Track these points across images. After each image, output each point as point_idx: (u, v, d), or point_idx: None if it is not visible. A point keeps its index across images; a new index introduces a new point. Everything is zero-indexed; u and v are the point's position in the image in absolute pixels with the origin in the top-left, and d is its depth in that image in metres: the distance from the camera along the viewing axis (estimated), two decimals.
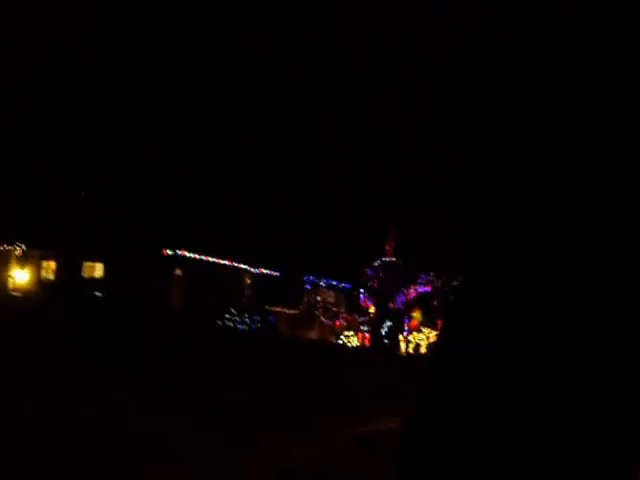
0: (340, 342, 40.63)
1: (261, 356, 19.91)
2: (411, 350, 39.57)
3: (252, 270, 36.32)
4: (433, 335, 41.36)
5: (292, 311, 40.68)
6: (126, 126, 30.93)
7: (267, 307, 37.93)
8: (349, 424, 9.66)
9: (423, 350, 40.36)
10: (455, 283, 62.90)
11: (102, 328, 20.50)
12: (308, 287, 40.93)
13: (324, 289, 42.32)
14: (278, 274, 37.84)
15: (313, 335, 40.52)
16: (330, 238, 38.12)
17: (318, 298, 42.31)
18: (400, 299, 48.12)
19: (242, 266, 35.15)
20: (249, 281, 36.53)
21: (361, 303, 48.47)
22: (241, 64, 32.99)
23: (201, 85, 33.01)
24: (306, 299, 41.08)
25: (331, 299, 43.46)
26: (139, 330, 24.00)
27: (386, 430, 7.33)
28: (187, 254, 32.79)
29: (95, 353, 14.87)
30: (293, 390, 12.84)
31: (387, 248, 50.66)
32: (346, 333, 40.98)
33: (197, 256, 33.13)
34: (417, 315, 42.47)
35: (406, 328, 40.29)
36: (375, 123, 35.99)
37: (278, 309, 38.91)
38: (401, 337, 39.29)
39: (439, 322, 51.78)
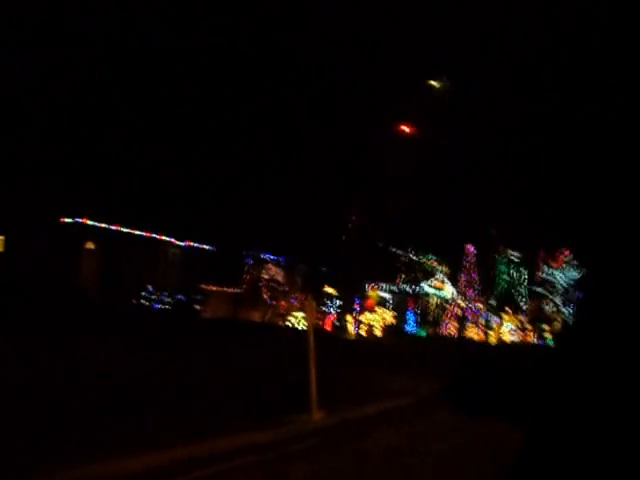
0: (288, 324, 36.78)
1: (147, 340, 16.29)
2: (363, 332, 35.75)
3: (179, 243, 32.34)
4: (389, 316, 37.52)
5: (232, 290, 36.80)
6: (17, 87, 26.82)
7: (202, 285, 34.00)
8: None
9: (377, 332, 36.59)
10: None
11: None
12: (250, 262, 37.02)
13: (272, 266, 38.41)
14: (212, 248, 33.87)
15: (256, 316, 36.67)
16: (283, 211, 34.00)
17: (265, 276, 38.44)
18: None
19: (165, 238, 31.17)
20: (177, 256, 32.55)
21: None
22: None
23: None
24: (248, 277, 37.20)
25: (280, 278, 39.58)
26: (27, 311, 20.37)
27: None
28: (99, 224, 28.80)
29: None
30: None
31: (350, 224, 46.84)
32: (295, 314, 37.08)
33: (110, 227, 29.14)
34: (374, 294, 38.64)
35: (356, 308, 36.49)
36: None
37: (214, 288, 34.99)
38: (349, 318, 35.33)
39: (410, 302, 48.12)
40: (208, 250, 34.31)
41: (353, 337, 33.46)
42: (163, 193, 30.96)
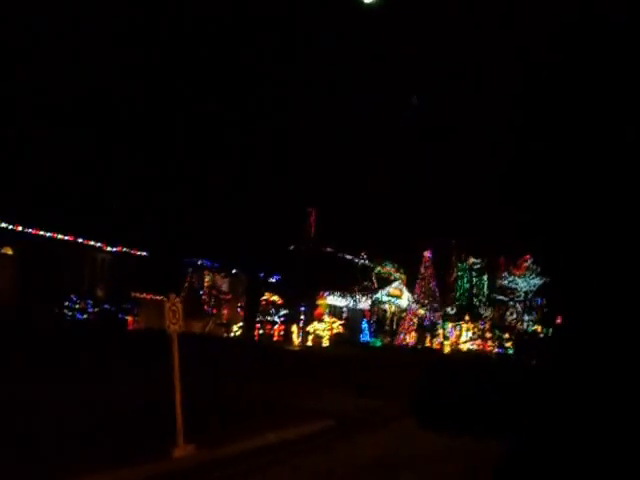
0: (233, 335, 34.53)
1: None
2: (309, 343, 33.61)
3: (109, 249, 29.94)
4: (337, 325, 35.50)
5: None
6: None
7: (135, 294, 31.61)
8: None
9: (325, 343, 34.47)
10: None
11: None
12: (190, 270, 34.73)
13: (215, 273, 36.15)
14: (147, 254, 31.54)
15: (197, 327, 34.33)
16: (226, 215, 31.74)
17: (207, 284, 36.17)
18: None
19: (93, 243, 28.77)
20: (107, 262, 30.15)
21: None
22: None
23: None
24: (187, 285, 34.87)
25: (224, 286, 37.36)
26: None
27: None
28: (16, 228, 26.34)
29: None
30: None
31: (307, 230, 44.85)
32: (238, 325, 34.80)
33: (30, 230, 26.69)
34: (323, 303, 36.62)
35: (302, 317, 34.36)
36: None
37: (149, 296, 32.61)
38: (294, 328, 33.19)
39: (366, 311, 46.17)
40: (143, 256, 31.96)
41: (297, 348, 31.33)
42: (92, 194, 28.60)
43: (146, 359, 17.00)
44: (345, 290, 43.45)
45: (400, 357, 32.37)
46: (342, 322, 35.53)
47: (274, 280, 34.96)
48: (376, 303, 45.13)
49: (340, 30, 29.44)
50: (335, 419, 10.53)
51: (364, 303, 44.61)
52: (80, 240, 28.29)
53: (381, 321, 45.49)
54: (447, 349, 41.75)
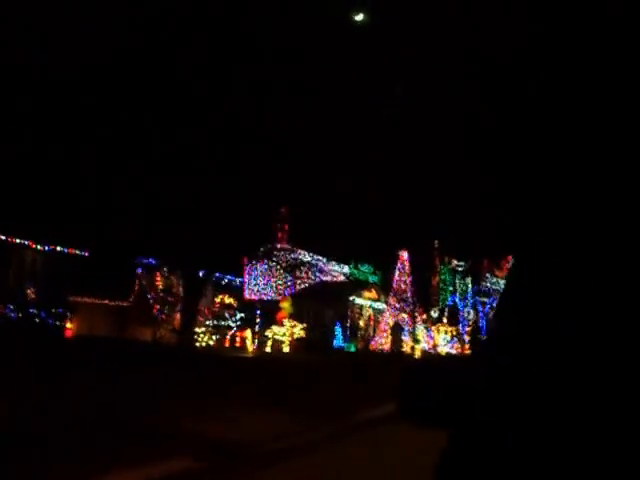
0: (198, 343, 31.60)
1: None
2: (268, 349, 30.66)
3: (40, 248, 27.06)
4: (299, 329, 32.59)
5: (116, 303, 31.57)
6: None
7: (71, 297, 28.74)
8: None
9: (286, 348, 31.53)
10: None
11: None
12: (140, 271, 31.84)
13: (168, 275, 33.24)
14: (86, 254, 28.69)
15: (147, 334, 31.44)
16: (184, 211, 29.05)
17: (160, 286, 33.24)
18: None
19: (21, 242, 25.89)
20: (38, 262, 27.24)
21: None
22: None
23: None
24: (137, 287, 31.98)
25: (178, 289, 34.43)
26: None
27: None
28: None
29: None
30: None
31: (278, 233, 42.10)
32: (199, 330, 31.89)
33: None
34: (286, 305, 33.71)
35: (258, 321, 31.41)
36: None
37: (89, 300, 29.74)
38: (248, 334, 30.23)
39: (338, 315, 43.36)
40: (83, 256, 29.12)
41: (250, 355, 28.43)
42: (21, 188, 25.82)
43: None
44: (313, 293, 40.66)
45: (367, 364, 29.45)
46: (304, 326, 32.62)
47: (227, 280, 32.16)
48: (350, 306, 42.26)
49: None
50: (221, 452, 7.70)
51: (338, 306, 41.80)
52: (3, 237, 25.43)
53: (356, 325, 42.59)
54: (418, 353, 38.84)
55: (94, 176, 26.06)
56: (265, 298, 38.86)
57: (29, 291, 26.16)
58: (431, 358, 33.60)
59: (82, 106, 24.90)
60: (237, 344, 30.41)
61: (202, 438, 8.27)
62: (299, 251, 41.90)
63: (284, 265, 40.36)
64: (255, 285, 40.41)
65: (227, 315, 30.92)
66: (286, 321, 31.66)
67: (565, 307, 0.88)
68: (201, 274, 27.76)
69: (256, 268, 41.10)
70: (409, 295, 42.50)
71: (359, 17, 25.38)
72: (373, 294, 44.41)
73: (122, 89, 24.79)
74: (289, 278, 40.97)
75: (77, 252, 28.11)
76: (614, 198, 0.89)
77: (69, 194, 25.70)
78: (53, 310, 25.61)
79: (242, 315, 31.06)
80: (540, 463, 0.84)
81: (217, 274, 32.68)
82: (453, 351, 40.63)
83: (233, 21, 25.47)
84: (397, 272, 42.63)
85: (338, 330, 40.56)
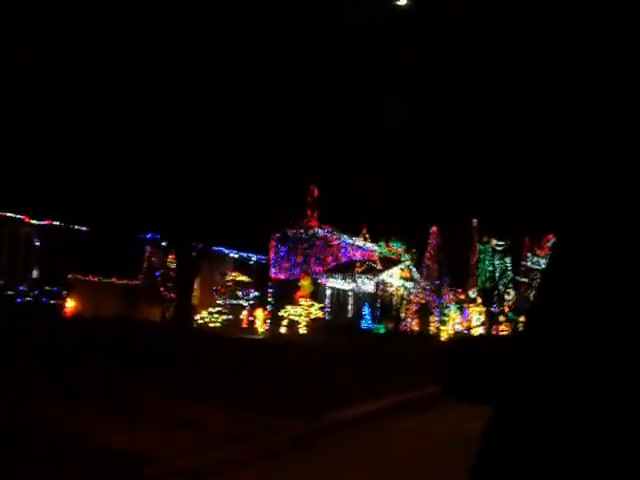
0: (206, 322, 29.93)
1: None
2: (284, 329, 28.68)
3: (35, 222, 25.60)
4: (315, 309, 30.48)
5: (125, 282, 30.10)
6: None
7: (72, 275, 27.35)
8: None
9: (302, 330, 29.52)
10: None
11: None
12: (148, 248, 30.28)
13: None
14: (85, 229, 27.18)
15: (155, 314, 29.89)
16: (194, 183, 27.07)
17: (172, 265, 31.60)
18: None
19: (12, 215, 24.47)
20: (32, 238, 25.81)
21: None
22: None
23: None
24: (146, 265, 30.43)
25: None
26: None
27: None
28: None
29: None
30: None
31: (307, 210, 40.01)
32: (213, 310, 30.16)
33: None
34: (306, 283, 31.63)
35: (270, 300, 29.39)
36: None
37: (95, 279, 28.33)
38: (259, 313, 28.20)
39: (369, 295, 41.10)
40: (85, 231, 27.65)
41: (260, 337, 26.48)
42: (16, 160, 24.35)
43: None
44: (346, 271, 38.50)
45: (390, 347, 27.09)
46: (322, 305, 30.49)
47: (236, 256, 30.26)
48: (380, 285, 39.97)
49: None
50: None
51: (368, 286, 39.58)
52: None
53: (387, 305, 40.27)
54: (444, 335, 36.27)
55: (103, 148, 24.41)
56: (292, 278, 36.93)
57: (25, 268, 24.79)
58: (468, 337, 31.10)
59: (82, 106, 23.49)
60: (246, 325, 28.49)
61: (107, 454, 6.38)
62: (327, 228, 39.78)
63: (310, 243, 38.33)
64: (280, 264, 38.51)
65: (240, 294, 29.06)
66: (303, 300, 29.61)
67: (611, 288, 0.82)
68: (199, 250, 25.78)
69: (282, 246, 39.16)
70: (440, 274, 39.87)
71: (402, 1, 24.50)
72: (405, 273, 41.96)
73: (122, 89, 23.24)
74: (316, 256, 38.89)
75: (77, 227, 26.60)
76: None
77: (72, 163, 24.12)
78: (47, 288, 24.18)
79: (257, 294, 29.13)
80: (595, 445, 0.78)
81: (228, 250, 30.82)
82: (484, 332, 37.98)
83: (233, 21, 23.95)
84: (428, 249, 40.04)
85: (366, 310, 38.39)
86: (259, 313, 27.72)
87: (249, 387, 11.45)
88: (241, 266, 32.78)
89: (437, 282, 39.71)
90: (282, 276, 37.68)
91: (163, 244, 30.15)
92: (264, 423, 8.34)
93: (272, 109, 25.97)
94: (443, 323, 37.47)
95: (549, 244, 44.58)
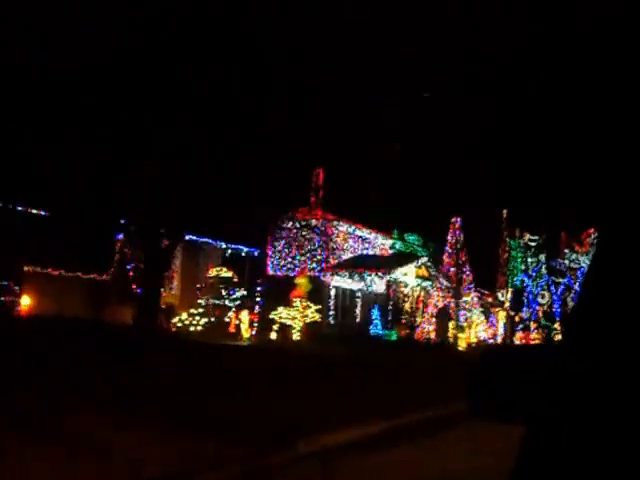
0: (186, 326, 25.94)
1: None
2: (274, 335, 24.36)
3: None
4: (312, 312, 26.17)
5: (94, 276, 26.21)
6: None
7: (29, 267, 23.57)
8: None
9: (295, 336, 25.24)
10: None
11: None
12: (119, 237, 26.39)
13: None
14: (45, 214, 23.40)
15: (127, 315, 25.89)
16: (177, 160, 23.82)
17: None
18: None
19: None
20: None
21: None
22: None
23: None
24: (117, 258, 26.49)
25: (177, 261, 28.72)
26: None
27: None
28: None
29: None
30: None
31: (311, 198, 35.71)
32: (194, 311, 26.11)
33: None
34: (303, 282, 27.39)
35: (258, 300, 25.16)
36: None
37: (56, 272, 24.49)
38: (244, 316, 23.94)
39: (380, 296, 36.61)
40: (44, 216, 23.87)
41: (243, 343, 22.29)
42: None
43: None
44: (351, 268, 34.16)
45: (396, 358, 22.64)
46: (319, 307, 26.19)
47: (225, 247, 26.13)
48: (392, 285, 35.55)
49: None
50: None
51: (378, 285, 35.23)
52: None
53: (400, 309, 35.84)
54: (462, 344, 31.66)
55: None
56: (291, 275, 32.71)
57: None
58: (495, 348, 26.67)
59: (82, 106, 21.43)
60: (233, 329, 24.33)
61: None
62: (333, 218, 35.48)
63: (312, 235, 34.08)
64: (278, 259, 34.31)
65: (224, 293, 24.91)
66: (297, 301, 25.40)
67: None
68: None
69: (280, 238, 34.93)
70: (462, 272, 35.32)
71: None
72: (422, 271, 37.40)
73: (122, 89, 21.66)
74: (319, 251, 34.58)
75: (35, 211, 22.77)
76: None
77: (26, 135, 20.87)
78: None
79: (244, 293, 25.00)
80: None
81: (213, 241, 26.75)
82: (515, 341, 33.34)
83: (233, 21, 22.70)
84: (448, 244, 35.50)
85: (376, 314, 34.03)
86: (244, 315, 23.56)
87: (203, 406, 8.92)
88: (232, 260, 28.69)
89: (456, 282, 35.20)
90: (279, 272, 33.56)
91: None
92: (209, 451, 6.37)
93: (272, 109, 24.80)
94: (462, 329, 32.93)
95: (590, 239, 39.71)
